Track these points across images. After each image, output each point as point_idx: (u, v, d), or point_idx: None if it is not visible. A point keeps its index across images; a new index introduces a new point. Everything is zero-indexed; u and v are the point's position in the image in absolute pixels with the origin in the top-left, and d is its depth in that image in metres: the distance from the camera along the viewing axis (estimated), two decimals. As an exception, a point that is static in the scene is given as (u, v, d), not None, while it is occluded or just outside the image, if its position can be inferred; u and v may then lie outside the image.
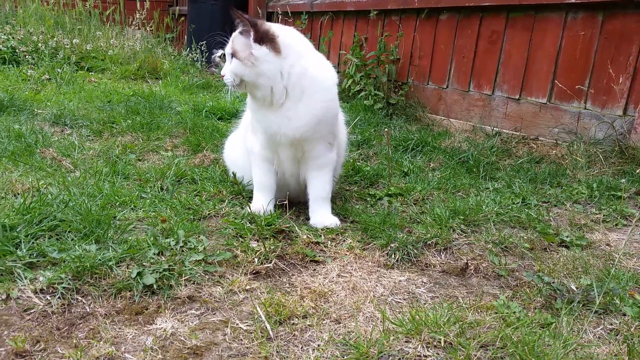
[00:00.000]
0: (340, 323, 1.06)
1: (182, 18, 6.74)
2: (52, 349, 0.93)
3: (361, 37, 3.83)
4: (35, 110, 2.77)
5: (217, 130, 2.58)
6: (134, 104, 3.08)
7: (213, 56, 4.91)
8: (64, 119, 2.63)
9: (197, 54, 5.28)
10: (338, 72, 4.18)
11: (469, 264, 1.33)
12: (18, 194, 1.65)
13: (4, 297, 1.08)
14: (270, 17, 5.18)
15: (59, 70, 3.98)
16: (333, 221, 1.53)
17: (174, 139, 2.48)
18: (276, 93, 1.41)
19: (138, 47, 4.98)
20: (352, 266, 1.30)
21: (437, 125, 3.17)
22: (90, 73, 4.32)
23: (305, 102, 1.42)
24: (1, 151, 1.99)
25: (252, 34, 1.37)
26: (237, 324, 1.03)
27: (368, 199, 1.80)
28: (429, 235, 1.46)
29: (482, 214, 1.65)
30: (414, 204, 1.76)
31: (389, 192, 1.82)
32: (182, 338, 0.98)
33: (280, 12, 4.86)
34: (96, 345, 0.95)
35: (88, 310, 1.05)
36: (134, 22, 5.79)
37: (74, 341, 0.96)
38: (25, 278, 1.14)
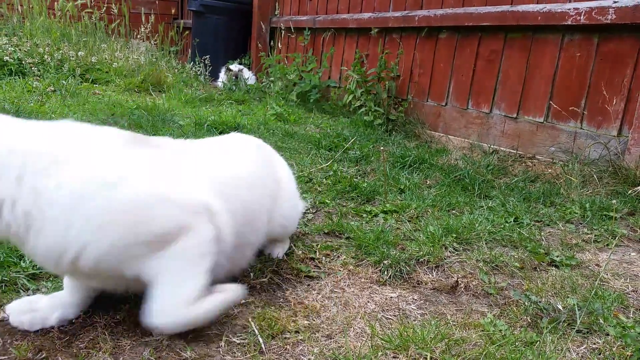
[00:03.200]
0: (331, 338, 1.09)
1: (187, 32, 6.84)
2: (54, 358, 0.97)
3: (362, 54, 3.89)
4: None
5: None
6: (137, 117, 3.13)
7: (232, 72, 4.98)
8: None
9: (200, 67, 5.36)
10: (338, 87, 4.28)
11: (460, 282, 1.36)
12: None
13: (7, 307, 1.11)
14: (273, 33, 5.26)
15: (63, 82, 4.05)
16: None
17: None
18: None
19: (142, 60, 5.06)
20: (345, 282, 1.34)
21: (435, 142, 3.22)
22: (94, 85, 4.39)
23: None
24: None
25: None
26: (230, 338, 1.07)
27: (364, 215, 1.84)
28: (422, 252, 1.50)
29: (474, 232, 1.69)
30: (408, 221, 1.79)
31: (385, 209, 1.86)
32: (178, 349, 1.02)
33: (283, 28, 4.94)
34: (95, 355, 0.98)
35: (88, 321, 1.09)
36: (138, 35, 5.88)
37: (74, 350, 0.99)
38: (28, 289, 1.18)
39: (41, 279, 1.24)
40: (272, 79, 4.66)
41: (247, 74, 5.15)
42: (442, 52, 3.29)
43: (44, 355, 0.97)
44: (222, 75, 5.10)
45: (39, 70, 4.35)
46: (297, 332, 1.10)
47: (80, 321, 1.09)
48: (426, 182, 2.29)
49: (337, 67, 4.32)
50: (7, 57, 4.40)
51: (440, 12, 3.23)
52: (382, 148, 2.30)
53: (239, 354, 1.01)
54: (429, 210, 1.90)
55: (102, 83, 4.54)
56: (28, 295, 1.16)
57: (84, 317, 1.10)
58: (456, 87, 3.20)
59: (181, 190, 1.00)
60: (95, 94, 3.94)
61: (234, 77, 5.01)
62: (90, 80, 4.47)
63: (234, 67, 5.09)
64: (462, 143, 3.11)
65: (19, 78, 4.18)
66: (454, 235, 1.65)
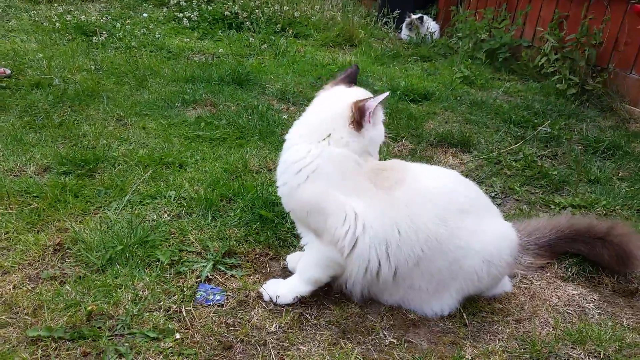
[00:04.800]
0: (520, 323, 1.39)
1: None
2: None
3: (562, 15, 3.76)
4: (264, 84, 3.37)
5: (411, 117, 2.92)
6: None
7: (411, 20, 5.13)
8: (287, 96, 3.18)
9: (389, 21, 5.55)
10: (531, 46, 4.15)
11: (639, 289, 1.53)
12: (270, 169, 2.22)
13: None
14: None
15: (272, 37, 4.61)
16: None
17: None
18: None
19: (336, 14, 5.43)
20: (533, 275, 1.60)
21: (634, 120, 3.10)
22: (297, 40, 4.89)
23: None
24: (252, 129, 2.58)
25: None
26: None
27: (552, 206, 2.02)
28: (606, 253, 1.67)
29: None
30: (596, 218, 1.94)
31: (574, 203, 2.01)
32: (403, 312, 1.41)
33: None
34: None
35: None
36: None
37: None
38: (295, 246, 1.67)
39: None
40: (459, 34, 4.71)
41: (432, 25, 5.21)
42: (656, 22, 3.07)
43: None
44: (404, 30, 5.25)
45: (252, 24, 4.98)
46: (492, 313, 1.41)
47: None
48: (618, 172, 2.33)
49: (531, 25, 4.21)
50: (227, 12, 5.09)
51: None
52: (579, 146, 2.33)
53: (449, 324, 1.37)
54: (618, 209, 2.00)
55: (302, 37, 5.03)
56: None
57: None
58: (667, 61, 3.00)
59: None
60: (299, 51, 4.43)
61: (412, 26, 5.12)
62: (293, 34, 4.98)
63: (414, 15, 5.18)
64: (665, 123, 2.97)
65: (236, 32, 4.84)
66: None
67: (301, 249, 1.61)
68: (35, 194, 1.82)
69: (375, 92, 3.34)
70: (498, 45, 4.30)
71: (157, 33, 4.42)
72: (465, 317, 1.40)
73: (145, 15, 5.01)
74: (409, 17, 5.21)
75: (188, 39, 4.41)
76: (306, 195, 1.33)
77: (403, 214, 1.31)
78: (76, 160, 2.08)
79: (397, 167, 1.42)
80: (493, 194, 2.10)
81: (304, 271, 1.43)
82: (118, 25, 4.47)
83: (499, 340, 1.33)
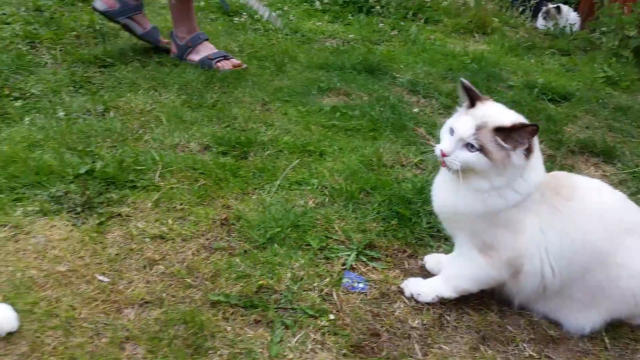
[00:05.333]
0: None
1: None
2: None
3: None
4: (394, 74, 3.45)
5: (550, 119, 2.85)
6: (471, 74, 3.50)
7: (545, 8, 4.92)
8: (418, 88, 3.23)
9: (525, 9, 5.32)
10: None
11: None
12: (403, 165, 2.33)
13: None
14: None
15: (402, 23, 4.64)
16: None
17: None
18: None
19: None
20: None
21: None
22: (426, 26, 4.86)
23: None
24: (384, 122, 2.69)
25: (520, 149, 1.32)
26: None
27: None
28: None
29: None
30: None
31: None
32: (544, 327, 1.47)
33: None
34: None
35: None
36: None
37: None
38: (432, 246, 1.77)
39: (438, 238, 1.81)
40: (603, 29, 4.42)
41: (572, 16, 4.94)
42: None
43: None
44: (540, 19, 5.02)
45: (381, 8, 5.02)
46: (636, 340, 1.43)
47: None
48: None
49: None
50: (356, -6, 5.17)
51: None
52: None
53: (589, 345, 1.42)
54: None
55: (431, 22, 4.99)
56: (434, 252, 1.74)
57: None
58: None
59: None
60: (429, 39, 4.42)
61: (549, 15, 4.89)
62: (423, 19, 4.95)
63: (551, 4, 4.93)
64: None
65: (365, 16, 4.91)
66: None
67: (437, 250, 1.72)
68: (200, 171, 2.08)
69: (511, 88, 3.33)
70: (649, 42, 4.00)
71: (291, 15, 4.63)
72: (606, 341, 1.43)
73: (280, -5, 5.23)
74: (546, 5, 4.97)
75: (320, 23, 4.57)
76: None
77: (573, 228, 1.37)
78: (231, 142, 2.32)
79: (565, 182, 1.46)
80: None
81: (452, 278, 1.52)
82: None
83: (642, 363, 1.35)
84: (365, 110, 2.78)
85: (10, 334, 1.27)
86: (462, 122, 1.33)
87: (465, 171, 1.32)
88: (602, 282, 1.38)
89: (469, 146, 1.30)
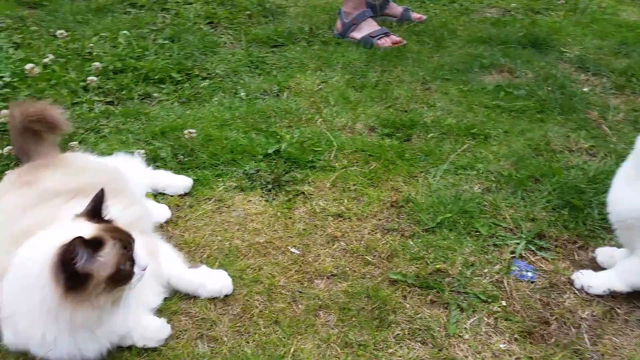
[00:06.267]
0: None
1: None
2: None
3: None
4: (561, 48, 3.26)
5: None
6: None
7: None
8: (587, 64, 3.04)
9: None
10: None
11: None
12: (572, 150, 2.26)
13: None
14: None
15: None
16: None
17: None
18: None
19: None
20: None
21: None
22: None
23: None
24: (553, 103, 2.61)
25: None
26: None
27: None
28: None
29: None
30: None
31: None
32: None
33: None
34: None
35: None
36: None
37: (646, 304, 1.51)
38: (604, 238, 1.75)
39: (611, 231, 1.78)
40: None
41: None
42: None
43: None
44: None
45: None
46: None
47: None
48: None
49: None
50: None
51: None
52: None
53: None
54: None
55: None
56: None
57: None
58: None
59: None
60: (600, 7, 4.05)
61: None
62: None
63: None
64: None
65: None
66: None
67: (609, 243, 1.70)
68: (369, 153, 2.24)
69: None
70: None
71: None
72: None
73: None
74: None
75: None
76: None
77: None
78: (395, 124, 2.44)
79: None
80: None
81: (629, 274, 1.52)
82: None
83: None
84: (531, 89, 2.71)
85: (227, 296, 1.55)
86: None
87: None
88: None
89: None
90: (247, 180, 2.07)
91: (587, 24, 3.66)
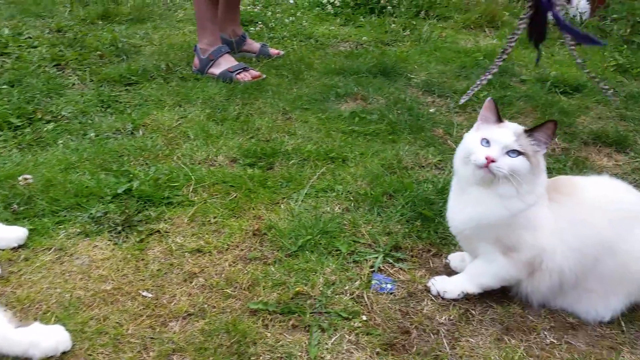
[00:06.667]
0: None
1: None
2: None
3: None
4: (409, 75, 3.52)
5: (563, 112, 2.90)
6: (484, 71, 3.53)
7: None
8: (432, 87, 3.29)
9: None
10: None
11: None
12: (422, 166, 2.40)
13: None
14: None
15: (414, 22, 4.69)
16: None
17: (525, 118, 2.91)
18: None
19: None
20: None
21: None
22: (437, 23, 4.91)
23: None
24: (402, 125, 2.77)
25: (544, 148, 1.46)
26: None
27: None
28: None
29: None
30: None
31: None
32: (562, 314, 1.54)
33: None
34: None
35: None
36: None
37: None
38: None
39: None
40: (614, 15, 4.43)
41: (582, 4, 4.94)
42: None
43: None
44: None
45: (392, 7, 5.08)
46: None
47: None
48: None
49: (702, 6, 3.85)
50: (367, -5, 5.23)
51: None
52: None
53: (607, 330, 1.51)
54: None
55: (442, 19, 5.03)
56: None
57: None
58: None
59: None
60: (441, 36, 4.47)
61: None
62: (434, 16, 4.99)
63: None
64: None
65: (377, 17, 4.98)
66: None
67: (460, 248, 1.80)
68: (231, 184, 2.18)
69: (523, 83, 3.37)
70: (659, 27, 4.00)
71: (304, 21, 4.72)
72: (622, 324, 1.50)
73: (292, 1, 5.33)
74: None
75: (332, 27, 4.65)
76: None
77: (578, 221, 1.47)
78: (257, 153, 2.42)
79: (565, 182, 1.58)
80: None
81: (476, 276, 1.61)
82: (269, 13, 4.84)
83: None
84: (382, 113, 2.86)
85: (64, 353, 1.37)
86: (502, 132, 1.44)
87: (497, 179, 1.43)
88: (613, 270, 1.47)
89: (510, 153, 1.41)
90: (93, 224, 1.90)
91: (431, 51, 4.00)
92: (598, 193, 1.52)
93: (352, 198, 2.12)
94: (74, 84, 3.20)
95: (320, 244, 1.83)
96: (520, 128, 1.48)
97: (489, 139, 1.44)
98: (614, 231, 1.46)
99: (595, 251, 1.46)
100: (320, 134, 2.66)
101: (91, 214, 1.94)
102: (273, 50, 3.78)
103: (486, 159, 1.40)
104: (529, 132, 1.44)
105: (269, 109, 2.93)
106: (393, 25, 4.65)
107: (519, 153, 1.41)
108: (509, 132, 1.43)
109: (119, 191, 2.05)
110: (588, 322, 1.54)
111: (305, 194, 2.13)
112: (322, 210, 2.03)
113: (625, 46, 3.94)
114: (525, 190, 1.44)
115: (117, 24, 4.38)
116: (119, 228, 1.88)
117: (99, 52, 3.66)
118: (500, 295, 1.64)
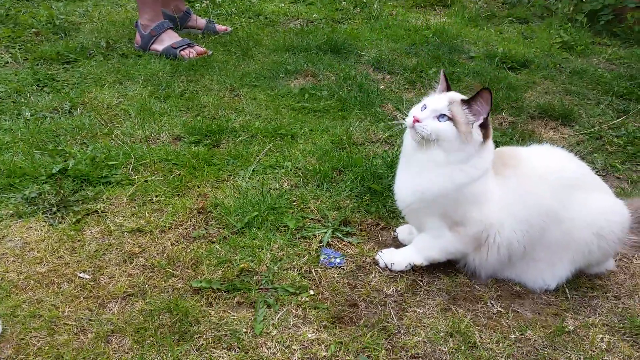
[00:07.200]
0: (619, 299, 1.50)
1: None
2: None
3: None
4: (359, 52, 3.48)
5: (510, 87, 2.94)
6: (433, 48, 3.56)
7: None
8: (383, 64, 3.27)
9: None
10: (638, 7, 3.92)
11: None
12: (372, 141, 2.39)
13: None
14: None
15: (364, 0, 4.66)
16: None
17: (473, 93, 2.93)
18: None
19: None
20: (633, 254, 1.68)
21: None
22: (387, 1, 4.89)
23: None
24: (353, 101, 2.74)
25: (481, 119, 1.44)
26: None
27: (654, 186, 2.05)
28: None
29: None
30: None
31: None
32: (509, 284, 1.56)
33: None
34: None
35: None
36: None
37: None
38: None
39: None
40: (559, -6, 4.52)
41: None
42: None
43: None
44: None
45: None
46: (592, 289, 1.54)
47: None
48: None
49: (640, -15, 3.98)
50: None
51: None
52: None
53: (552, 297, 1.51)
54: None
55: (393, -3, 5.01)
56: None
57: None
58: None
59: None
60: (392, 14, 4.45)
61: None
62: (386, -5, 4.96)
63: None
64: None
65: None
66: None
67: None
68: (174, 162, 2.10)
69: (472, 59, 3.41)
70: (600, 6, 4.11)
71: (253, -2, 4.60)
72: (567, 291, 1.53)
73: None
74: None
75: (283, 4, 4.55)
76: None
77: (524, 192, 1.48)
78: (202, 131, 2.34)
79: (510, 154, 1.56)
80: (594, 172, 2.15)
81: (423, 249, 1.60)
82: (217, -10, 4.68)
83: (598, 314, 1.46)
84: (333, 90, 2.82)
85: (-5, 337, 1.30)
86: (436, 98, 1.48)
87: (428, 142, 1.44)
88: (559, 237, 1.49)
89: (440, 117, 1.44)
90: (26, 205, 1.79)
91: (382, 29, 3.97)
92: (541, 163, 1.54)
93: (301, 174, 2.08)
94: (7, 62, 3.01)
95: (268, 220, 1.78)
96: (458, 96, 1.48)
97: (427, 104, 1.48)
98: (557, 200, 1.48)
99: (542, 221, 1.48)
100: (269, 111, 2.60)
101: (25, 194, 1.83)
102: (220, 27, 3.66)
103: (413, 118, 1.44)
104: (466, 102, 1.45)
105: (216, 86, 2.84)
106: (344, 2, 4.60)
107: (449, 118, 1.43)
108: (444, 98, 1.47)
109: (54, 171, 1.94)
110: (535, 290, 1.56)
111: (253, 170, 2.08)
112: (270, 187, 1.98)
113: (570, 24, 4.03)
114: (458, 160, 1.45)
115: (54, 1, 4.15)
116: (54, 209, 1.78)
117: (34, 30, 3.45)
118: (447, 266, 1.64)
